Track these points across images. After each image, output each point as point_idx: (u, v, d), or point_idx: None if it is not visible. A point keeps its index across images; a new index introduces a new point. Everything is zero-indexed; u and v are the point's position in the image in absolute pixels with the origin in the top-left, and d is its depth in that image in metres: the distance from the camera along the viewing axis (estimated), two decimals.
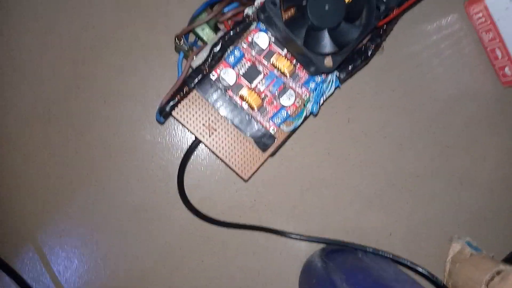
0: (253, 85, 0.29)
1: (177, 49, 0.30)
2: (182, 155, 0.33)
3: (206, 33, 0.29)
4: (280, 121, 0.30)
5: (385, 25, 0.29)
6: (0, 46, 0.33)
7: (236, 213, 0.35)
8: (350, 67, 0.29)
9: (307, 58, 0.27)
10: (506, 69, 0.34)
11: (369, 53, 0.29)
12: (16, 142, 0.34)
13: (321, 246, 0.36)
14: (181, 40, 0.29)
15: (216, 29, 0.30)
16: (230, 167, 0.31)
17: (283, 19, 0.26)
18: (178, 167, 0.33)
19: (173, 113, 0.29)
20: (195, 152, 0.34)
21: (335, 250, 0.35)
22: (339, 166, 0.35)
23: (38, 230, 0.34)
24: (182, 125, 0.30)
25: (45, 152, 0.34)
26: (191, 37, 0.31)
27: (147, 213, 0.35)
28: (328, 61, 0.26)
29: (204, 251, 0.35)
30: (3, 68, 0.33)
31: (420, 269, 0.34)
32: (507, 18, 0.31)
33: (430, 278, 0.34)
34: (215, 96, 0.30)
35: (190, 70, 0.29)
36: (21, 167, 0.34)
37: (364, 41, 0.29)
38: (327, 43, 0.26)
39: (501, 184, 0.37)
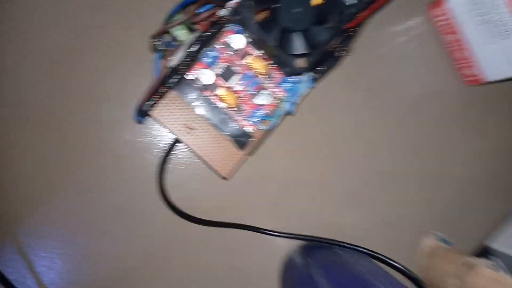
0: (229, 85, 0.30)
1: (153, 49, 0.31)
2: (162, 155, 0.33)
3: (181, 33, 0.30)
4: (257, 120, 0.31)
5: (353, 28, 0.30)
6: None
7: (218, 211, 0.36)
8: (322, 68, 0.30)
9: (281, 59, 0.28)
10: (466, 69, 0.36)
11: (340, 54, 0.30)
12: None
13: (300, 242, 0.36)
14: (156, 40, 0.30)
15: (191, 30, 0.31)
16: (209, 166, 0.32)
17: (256, 21, 0.27)
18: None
19: (151, 113, 0.30)
20: (175, 151, 0.35)
21: (313, 247, 0.36)
22: (315, 165, 0.36)
23: (20, 231, 0.34)
24: (161, 124, 0.31)
25: (27, 154, 0.34)
26: (166, 37, 0.32)
27: (129, 214, 0.35)
28: (301, 62, 0.27)
29: (187, 250, 0.36)
30: None
31: (394, 263, 0.35)
32: (466, 21, 0.32)
33: (404, 271, 0.35)
34: (192, 95, 0.30)
35: (167, 70, 0.30)
36: (3, 169, 0.34)
37: (335, 44, 0.30)
38: (299, 45, 0.27)
39: (470, 181, 0.38)
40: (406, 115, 0.37)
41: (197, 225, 0.35)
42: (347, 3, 0.27)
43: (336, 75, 0.35)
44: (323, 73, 0.31)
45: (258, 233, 0.36)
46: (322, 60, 0.30)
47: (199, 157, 0.32)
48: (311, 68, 0.28)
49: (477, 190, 0.38)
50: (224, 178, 0.33)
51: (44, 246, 0.35)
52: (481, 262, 0.30)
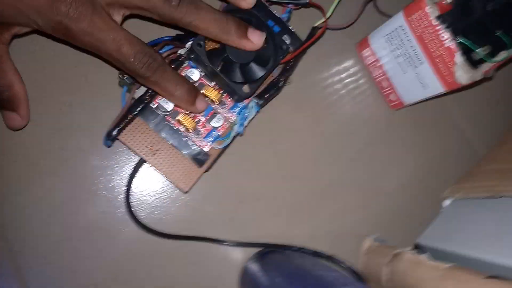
0: (187, 112, 0.36)
1: (121, 83, 0.35)
2: (129, 175, 0.37)
3: None
4: (212, 140, 0.36)
5: (290, 62, 0.36)
6: None
7: (181, 226, 0.39)
8: (266, 95, 0.36)
9: (230, 88, 0.34)
10: (391, 95, 0.43)
11: (280, 84, 0.36)
12: None
13: (255, 250, 0.41)
14: (124, 76, 0.34)
15: None
16: (172, 182, 0.36)
17: (207, 51, 0.33)
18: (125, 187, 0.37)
19: (119, 137, 0.34)
20: (140, 172, 0.38)
21: (266, 253, 0.40)
22: (266, 180, 0.41)
23: None
24: (128, 147, 0.35)
25: None
26: None
27: (97, 233, 0.38)
28: (246, 88, 0.33)
29: (152, 263, 0.38)
30: None
31: (337, 260, 0.40)
32: (387, 58, 0.40)
33: (349, 267, 0.40)
34: (155, 121, 0.35)
35: (133, 100, 0.35)
36: None
37: (276, 75, 0.37)
38: (238, 75, 0.33)
39: (400, 190, 0.45)
40: (342, 136, 0.44)
41: (161, 239, 0.38)
42: (282, 45, 0.34)
43: (280, 102, 0.41)
44: (266, 100, 0.36)
45: (217, 245, 0.40)
46: (265, 88, 0.36)
47: (163, 175, 0.36)
48: (254, 94, 0.34)
49: (406, 196, 0.45)
50: (185, 192, 0.37)
51: (15, 266, 0.37)
52: (406, 250, 0.36)
